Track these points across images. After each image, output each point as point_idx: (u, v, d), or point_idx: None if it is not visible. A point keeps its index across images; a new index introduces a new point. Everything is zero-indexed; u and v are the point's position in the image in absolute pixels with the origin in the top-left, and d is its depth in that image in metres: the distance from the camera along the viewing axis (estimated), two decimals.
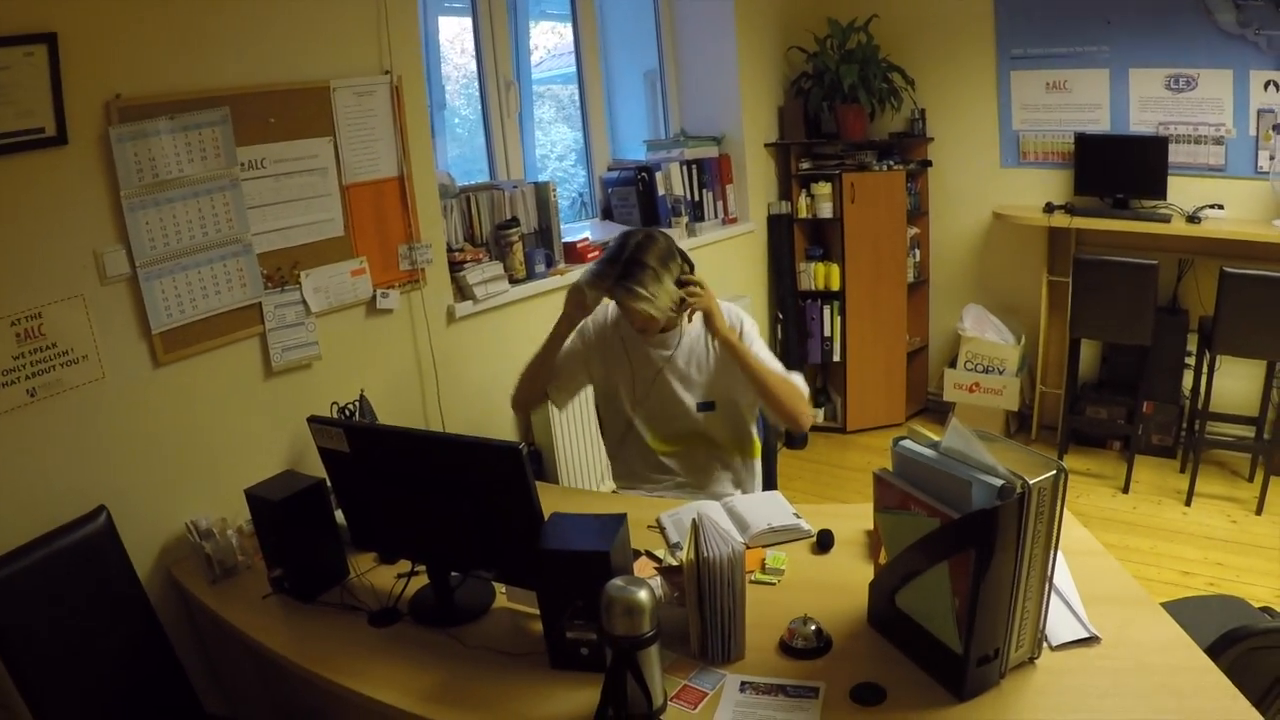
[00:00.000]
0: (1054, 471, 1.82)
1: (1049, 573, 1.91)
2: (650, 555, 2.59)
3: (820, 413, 6.26)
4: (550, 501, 2.33)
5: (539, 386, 3.17)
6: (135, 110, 2.85)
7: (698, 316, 2.97)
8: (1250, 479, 5.12)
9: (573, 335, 3.13)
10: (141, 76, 2.88)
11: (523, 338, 4.17)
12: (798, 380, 3.02)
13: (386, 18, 3.53)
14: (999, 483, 1.78)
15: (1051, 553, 1.89)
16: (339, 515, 2.73)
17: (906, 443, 2.08)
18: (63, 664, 2.52)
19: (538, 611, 2.23)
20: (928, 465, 1.98)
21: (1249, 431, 5.22)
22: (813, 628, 2.15)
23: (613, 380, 3.17)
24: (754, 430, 3.25)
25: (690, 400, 3.10)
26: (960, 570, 1.84)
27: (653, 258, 2.85)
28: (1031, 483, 1.78)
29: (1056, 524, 1.87)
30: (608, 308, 3.16)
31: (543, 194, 4.41)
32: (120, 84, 2.82)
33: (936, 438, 2.03)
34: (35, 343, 2.68)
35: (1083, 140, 5.39)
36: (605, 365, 3.17)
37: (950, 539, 1.87)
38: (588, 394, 3.37)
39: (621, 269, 2.84)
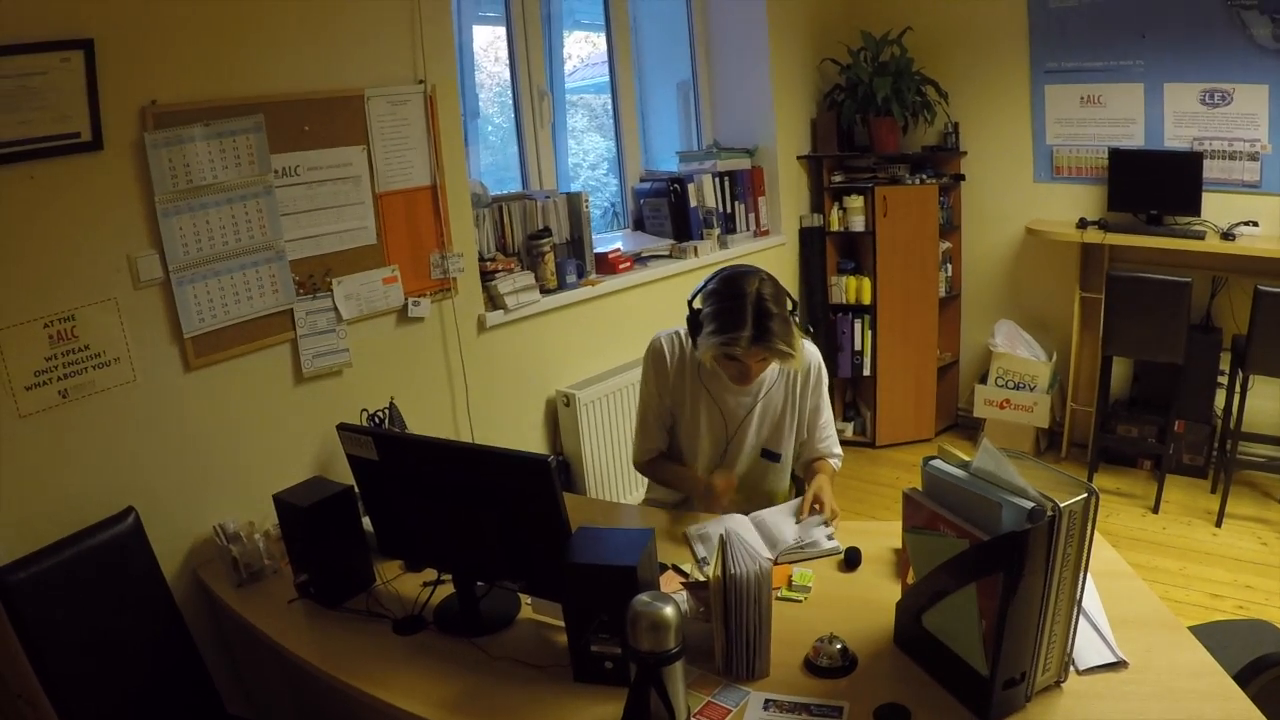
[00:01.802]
0: (1085, 494, 1.81)
1: (1078, 596, 1.90)
2: (677, 570, 2.58)
3: (850, 427, 6.23)
4: (578, 513, 2.33)
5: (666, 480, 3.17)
6: (170, 116, 2.88)
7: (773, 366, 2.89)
8: None
9: (651, 387, 3.04)
10: (177, 83, 2.90)
11: (554, 347, 4.19)
12: (838, 462, 3.10)
13: (421, 27, 3.55)
14: (1029, 505, 1.76)
15: (1081, 576, 1.88)
16: (366, 522, 2.74)
17: (937, 463, 2.06)
18: (88, 661, 2.54)
19: (562, 624, 2.22)
20: (958, 486, 1.96)
21: None
22: (838, 646, 2.14)
23: (695, 423, 3.04)
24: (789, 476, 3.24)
25: (758, 447, 3.06)
26: (988, 592, 1.83)
27: (775, 304, 2.68)
28: (1062, 506, 1.76)
29: (1086, 547, 1.85)
30: (683, 351, 2.99)
31: (575, 204, 4.42)
32: (156, 90, 2.85)
33: (967, 458, 2.01)
34: (68, 345, 2.70)
35: (1117, 155, 5.34)
36: (688, 408, 3.02)
37: (979, 561, 1.86)
38: (606, 403, 3.35)
39: (755, 326, 2.64)
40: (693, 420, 3.03)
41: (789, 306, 2.74)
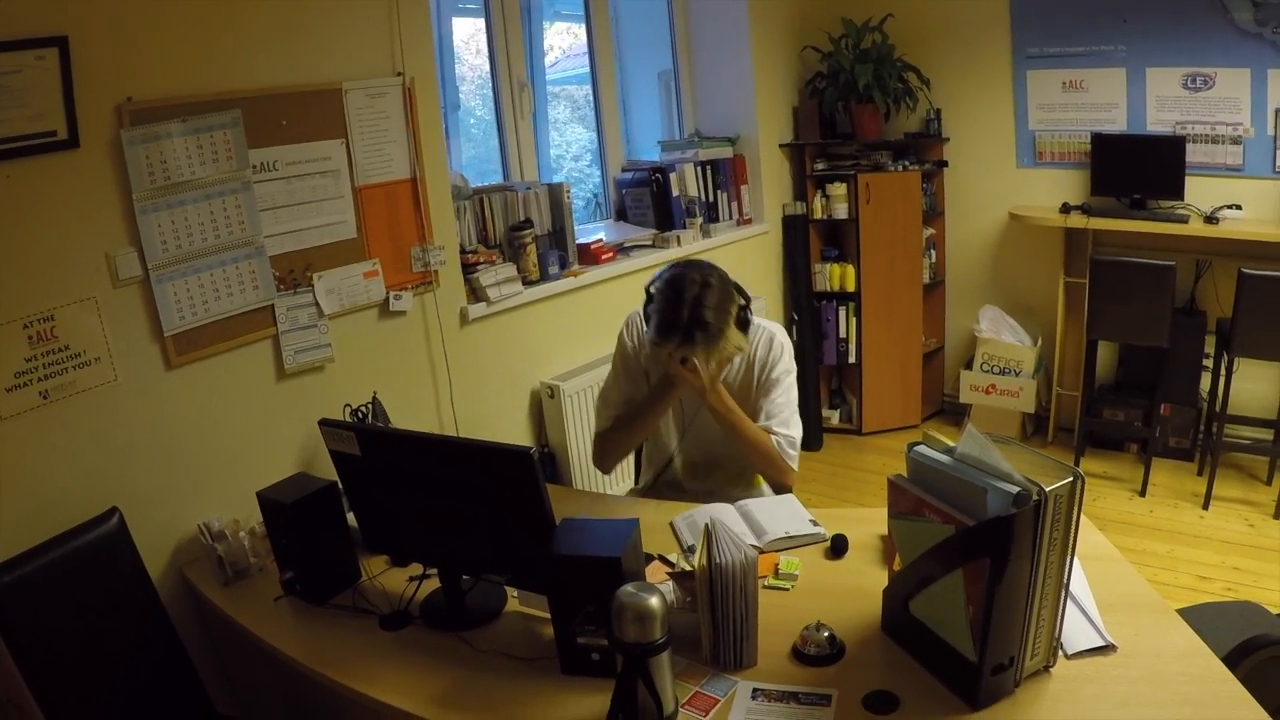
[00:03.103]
0: (1070, 478, 1.81)
1: (1065, 580, 1.90)
2: (663, 559, 2.57)
3: (835, 414, 6.24)
4: (562, 504, 2.32)
5: (627, 443, 3.16)
6: (147, 113, 2.86)
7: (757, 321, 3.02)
8: (1268, 482, 5.09)
9: (623, 363, 3.15)
10: (153, 79, 2.88)
11: (537, 339, 4.18)
12: (792, 434, 3.01)
13: (399, 20, 3.53)
14: (1015, 490, 1.76)
15: (1068, 560, 1.87)
16: (351, 518, 2.73)
17: (921, 448, 2.06)
18: (74, 663, 2.53)
19: (549, 616, 2.22)
20: (943, 471, 1.96)
21: (1267, 434, 5.19)
22: (825, 634, 2.14)
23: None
24: None
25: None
26: (975, 578, 1.83)
27: (711, 309, 2.77)
28: (1048, 490, 1.76)
29: (1073, 531, 1.85)
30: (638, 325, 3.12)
31: (556, 195, 4.40)
32: (132, 87, 2.82)
33: (952, 443, 2.01)
34: (48, 345, 2.68)
35: (1099, 140, 5.35)
36: (654, 381, 3.10)
37: (965, 547, 1.85)
38: (590, 394, 3.35)
39: (684, 333, 2.75)
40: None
41: (734, 306, 2.86)
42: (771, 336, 3.07)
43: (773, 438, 2.97)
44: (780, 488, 3.09)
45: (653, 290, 2.88)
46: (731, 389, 3.03)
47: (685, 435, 3.18)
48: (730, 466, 3.18)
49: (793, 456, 3.00)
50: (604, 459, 3.18)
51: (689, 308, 2.75)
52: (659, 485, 3.28)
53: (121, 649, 2.67)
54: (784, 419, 3.01)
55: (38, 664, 2.44)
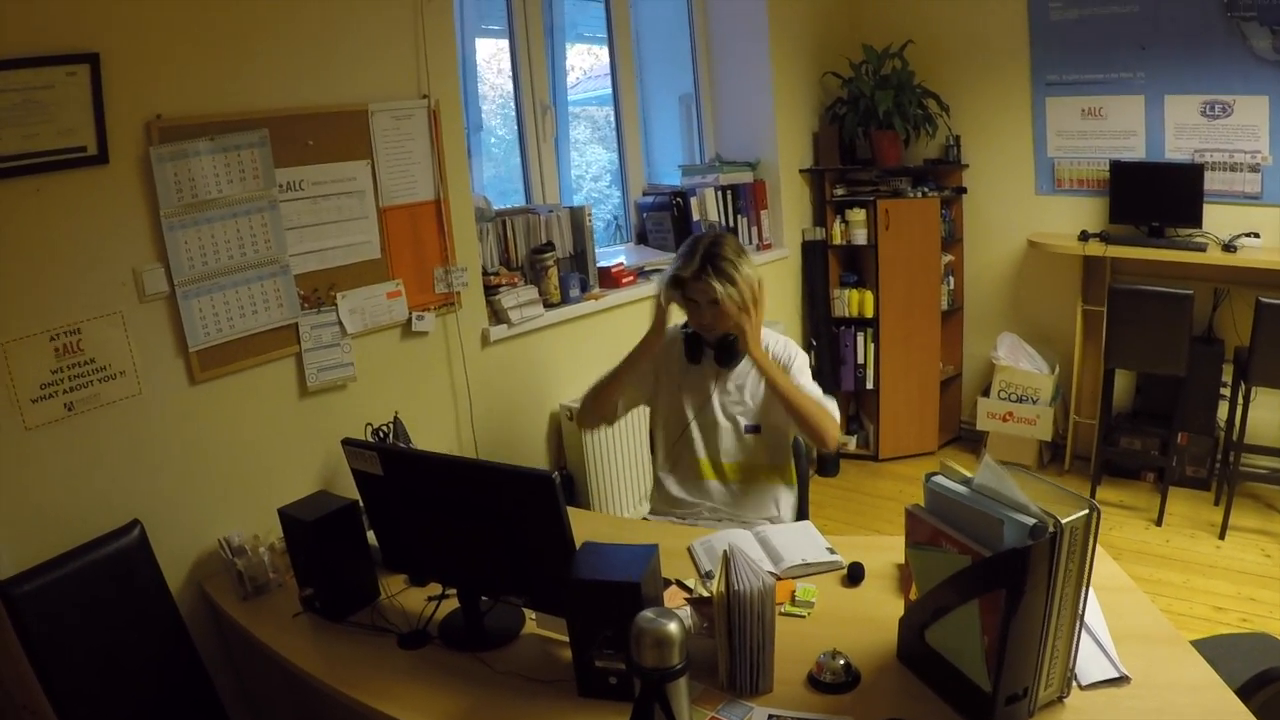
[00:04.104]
0: (1086, 510, 1.82)
1: (1080, 611, 1.90)
2: (680, 584, 2.59)
3: (853, 440, 6.24)
4: (582, 527, 2.33)
5: (612, 401, 3.25)
6: (176, 131, 2.89)
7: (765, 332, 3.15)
8: None
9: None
10: (182, 97, 2.92)
11: (557, 361, 4.20)
12: (830, 405, 3.10)
13: (424, 42, 3.56)
14: (1031, 522, 1.77)
15: (1083, 592, 1.88)
16: (371, 536, 2.74)
17: (939, 479, 2.07)
18: (92, 673, 2.55)
19: (567, 639, 2.23)
20: (960, 502, 1.97)
21: None
22: (841, 662, 2.15)
23: (675, 399, 3.27)
24: (792, 460, 3.31)
25: (741, 422, 3.19)
26: (990, 608, 1.84)
27: (729, 250, 3.04)
28: (1064, 522, 1.77)
29: (1088, 563, 1.86)
30: (677, 334, 3.26)
31: (578, 218, 4.42)
32: (161, 104, 2.86)
33: (969, 473, 2.02)
34: (74, 358, 2.71)
35: (1118, 167, 5.36)
36: (667, 383, 3.28)
37: (981, 577, 1.86)
38: (623, 421, 3.38)
39: (700, 260, 3.00)
40: (669, 401, 3.28)
41: (748, 259, 3.12)
42: (777, 341, 3.22)
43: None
44: (825, 448, 3.15)
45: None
46: (757, 395, 3.16)
47: (699, 419, 3.26)
48: (759, 464, 3.24)
49: (835, 419, 3.11)
50: (585, 413, 3.34)
51: (706, 246, 3.04)
52: (678, 475, 3.32)
53: (139, 660, 2.69)
54: (818, 394, 3.12)
55: (55, 672, 2.46)
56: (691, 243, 3.10)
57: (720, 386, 3.20)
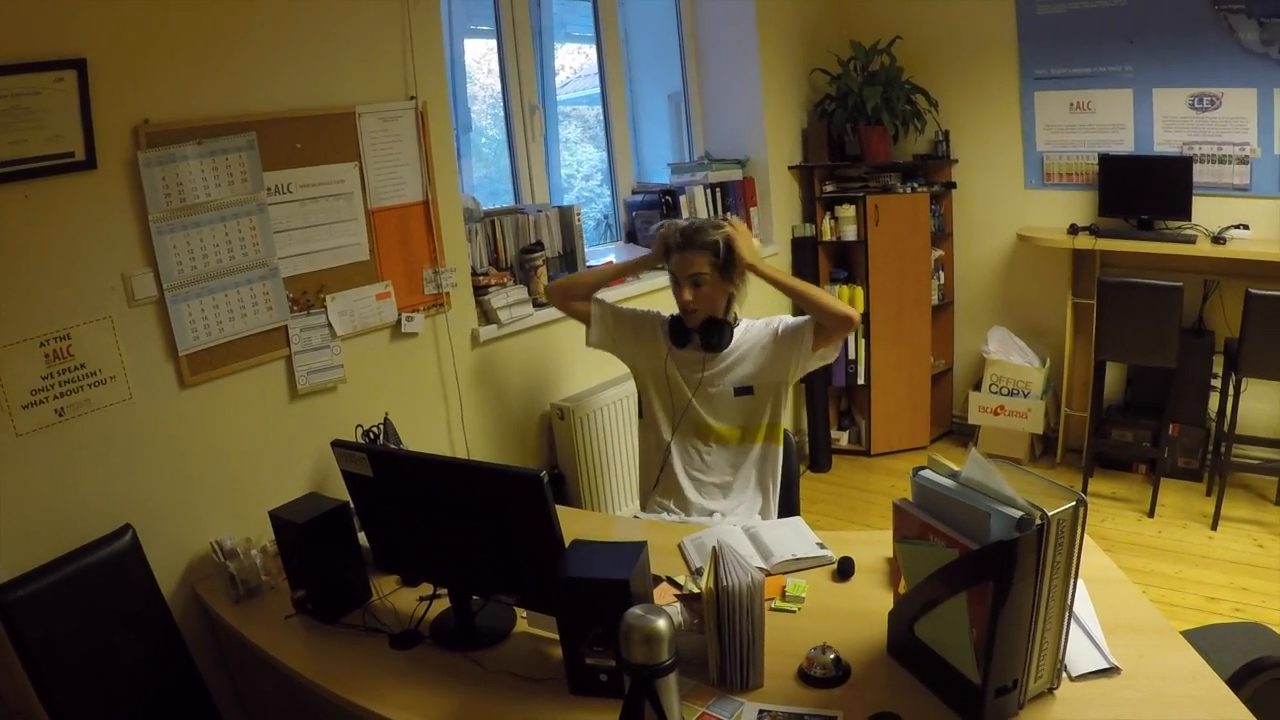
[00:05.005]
0: (1073, 502, 1.82)
1: (1068, 603, 1.91)
2: (671, 581, 2.59)
3: (844, 435, 6.25)
4: (572, 526, 2.34)
5: (584, 291, 3.49)
6: (163, 135, 2.88)
7: (741, 323, 3.30)
8: (1277, 502, 5.09)
9: (631, 312, 3.49)
10: (170, 102, 2.91)
11: (547, 361, 4.20)
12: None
13: (412, 44, 3.56)
14: (1017, 514, 1.78)
15: (1071, 583, 1.89)
16: (362, 537, 2.75)
17: (926, 473, 2.08)
18: (86, 678, 2.55)
19: (558, 637, 2.23)
20: (947, 496, 1.98)
21: (1276, 454, 5.19)
22: (831, 656, 2.15)
23: (665, 380, 3.35)
24: (782, 415, 3.37)
25: (731, 387, 3.26)
26: (979, 601, 1.85)
27: (712, 225, 3.21)
28: (1050, 514, 1.78)
29: (1076, 555, 1.86)
30: (665, 317, 3.39)
31: (567, 218, 4.43)
32: (149, 109, 2.86)
33: (956, 467, 2.03)
34: (64, 363, 2.70)
35: (1107, 161, 5.38)
36: (654, 365, 3.37)
37: (968, 570, 1.87)
38: (600, 416, 3.40)
39: (685, 233, 3.17)
40: (660, 382, 3.37)
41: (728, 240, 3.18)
42: (765, 319, 3.34)
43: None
44: (850, 322, 3.20)
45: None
46: (755, 363, 3.26)
47: (678, 428, 3.32)
48: (749, 422, 3.30)
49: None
50: (557, 287, 3.63)
51: (702, 221, 3.31)
52: (665, 453, 3.36)
53: (133, 664, 2.69)
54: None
55: (49, 678, 2.46)
56: (692, 218, 3.30)
57: (708, 368, 3.27)
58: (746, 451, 3.31)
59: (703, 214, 5.22)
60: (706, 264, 3.14)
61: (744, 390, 3.26)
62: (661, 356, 3.33)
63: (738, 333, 3.28)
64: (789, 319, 3.26)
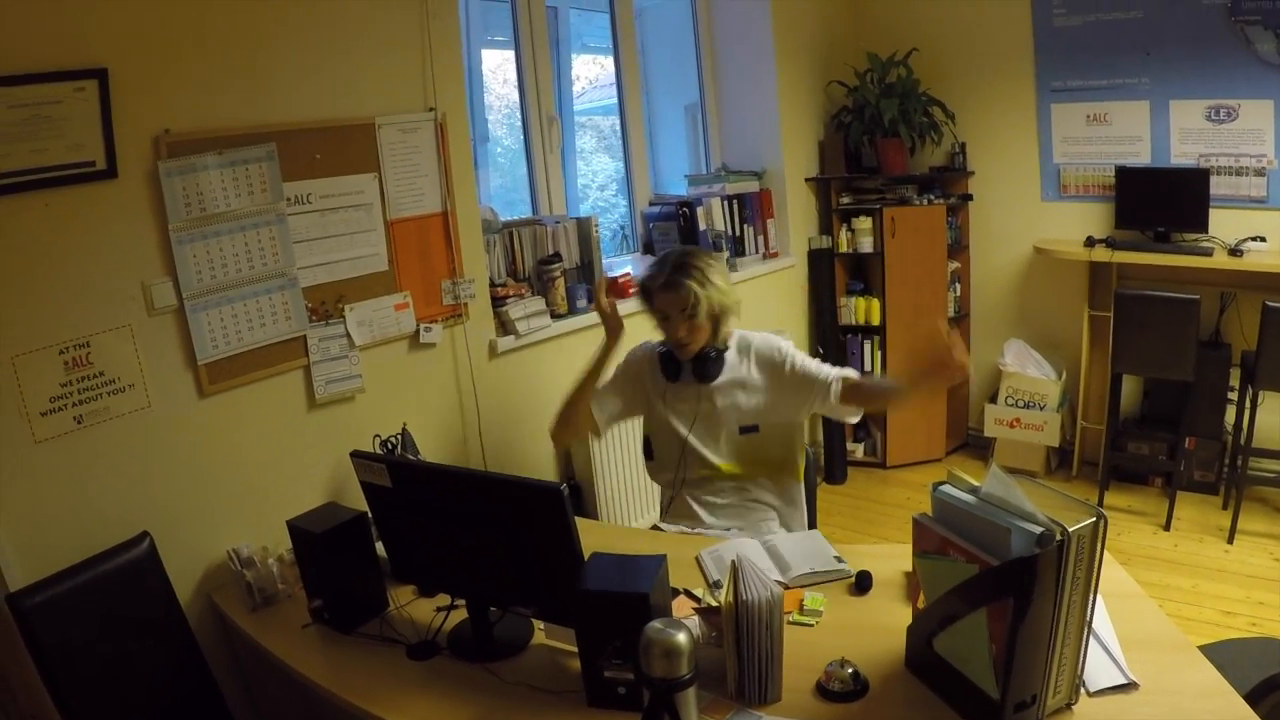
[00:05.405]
0: (1093, 518, 1.82)
1: (1087, 618, 1.91)
2: (689, 594, 2.59)
3: (860, 448, 6.24)
4: (590, 537, 2.34)
5: (580, 415, 3.22)
6: (184, 145, 2.91)
7: (732, 342, 3.17)
8: None
9: (622, 369, 3.27)
10: (190, 112, 2.93)
11: (564, 373, 4.20)
12: (842, 377, 3.11)
13: (431, 55, 3.58)
14: (1038, 530, 1.78)
15: (1090, 599, 1.88)
16: (380, 547, 2.75)
17: (946, 488, 2.07)
18: (102, 685, 2.56)
19: (576, 649, 2.23)
20: (967, 511, 1.97)
21: None
22: (850, 670, 2.15)
23: (663, 417, 3.25)
24: (798, 454, 3.30)
25: (735, 425, 3.16)
26: (998, 616, 1.84)
27: (699, 260, 3.07)
28: (1071, 530, 1.77)
29: (1096, 571, 1.86)
30: (652, 352, 3.26)
31: (584, 229, 4.43)
32: (169, 119, 2.88)
33: (976, 482, 2.02)
34: (83, 371, 2.72)
35: (1123, 173, 5.36)
36: (654, 401, 3.24)
37: (988, 586, 1.87)
38: (617, 428, 3.38)
39: (670, 270, 3.03)
40: (659, 420, 3.27)
41: (719, 262, 3.13)
42: (749, 342, 3.20)
43: (841, 379, 3.08)
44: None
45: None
46: (760, 398, 3.15)
47: (681, 455, 3.24)
48: (766, 459, 3.23)
49: (844, 370, 3.13)
50: (557, 426, 3.33)
51: (676, 256, 3.08)
52: (679, 482, 3.30)
53: (149, 672, 2.70)
54: (832, 372, 3.11)
55: (65, 684, 2.47)
56: (662, 255, 3.12)
57: (708, 399, 3.16)
58: (760, 487, 3.25)
59: (719, 226, 5.22)
60: (694, 295, 2.99)
61: (749, 429, 3.18)
62: (660, 393, 3.24)
63: (733, 349, 3.17)
64: (800, 357, 3.16)
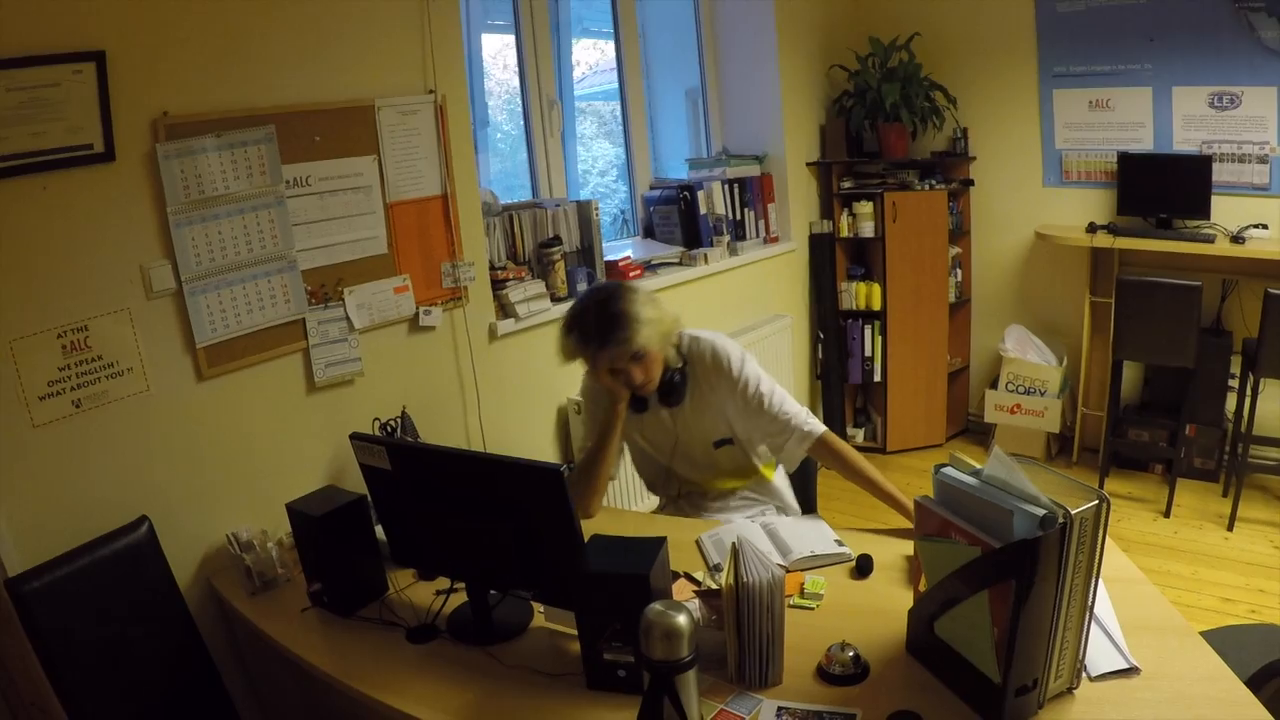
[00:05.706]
0: (1096, 501, 1.81)
1: (1089, 602, 1.90)
2: (689, 577, 2.58)
3: (860, 433, 6.24)
4: (590, 521, 2.34)
5: (603, 480, 3.08)
6: (182, 128, 2.89)
7: (684, 350, 3.03)
8: None
9: (590, 395, 3.19)
10: (188, 95, 2.92)
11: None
12: (809, 429, 3.04)
13: (430, 38, 3.56)
14: (1041, 513, 1.77)
15: (1092, 583, 1.88)
16: (379, 531, 2.75)
17: (948, 470, 2.06)
18: (101, 670, 2.56)
19: (576, 632, 2.23)
20: (969, 493, 1.97)
21: None
22: (851, 654, 2.14)
23: (641, 449, 3.25)
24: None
25: (708, 443, 3.12)
26: (1000, 599, 1.83)
27: (619, 303, 2.82)
28: (1074, 513, 1.76)
29: (1098, 554, 1.85)
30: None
31: (585, 212, 4.42)
32: (168, 102, 2.86)
33: (978, 465, 2.02)
34: (81, 355, 2.71)
35: (1126, 159, 5.35)
36: (627, 429, 3.14)
37: (990, 569, 1.86)
38: None
39: (596, 329, 2.81)
40: (639, 451, 3.26)
41: (643, 296, 2.88)
42: (713, 349, 3.03)
43: (820, 438, 3.01)
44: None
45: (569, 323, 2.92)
46: (721, 410, 3.05)
47: (666, 476, 3.24)
48: (745, 470, 3.21)
49: (819, 427, 3.03)
50: (580, 503, 2.92)
51: (594, 313, 2.82)
52: (670, 495, 3.31)
53: (148, 656, 2.70)
54: (799, 417, 3.03)
55: (65, 669, 2.47)
56: (578, 312, 2.89)
57: (681, 425, 3.09)
58: (750, 489, 3.23)
59: (720, 210, 5.21)
60: (634, 342, 2.78)
61: (723, 441, 3.11)
62: (635, 427, 3.16)
63: (691, 362, 3.02)
64: (769, 388, 3.03)
